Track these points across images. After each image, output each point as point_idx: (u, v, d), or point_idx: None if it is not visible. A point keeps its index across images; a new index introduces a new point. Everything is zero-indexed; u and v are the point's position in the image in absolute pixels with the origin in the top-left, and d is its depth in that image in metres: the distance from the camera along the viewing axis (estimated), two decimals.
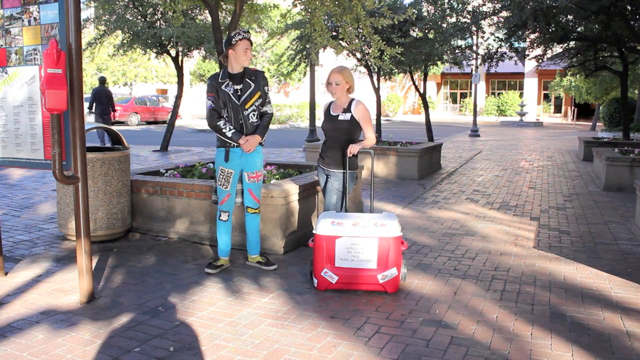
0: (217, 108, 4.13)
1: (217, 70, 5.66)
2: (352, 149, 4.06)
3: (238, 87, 4.14)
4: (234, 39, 4.08)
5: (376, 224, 3.79)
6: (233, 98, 4.11)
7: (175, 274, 4.22)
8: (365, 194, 7.42)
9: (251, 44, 4.14)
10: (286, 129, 26.64)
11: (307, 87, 31.57)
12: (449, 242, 5.24)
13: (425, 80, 15.66)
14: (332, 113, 4.31)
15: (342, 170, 4.21)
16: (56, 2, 3.49)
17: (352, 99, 4.26)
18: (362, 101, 4.34)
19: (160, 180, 5.29)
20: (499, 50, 12.98)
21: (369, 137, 4.26)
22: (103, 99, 13.33)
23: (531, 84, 40.01)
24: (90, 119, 25.57)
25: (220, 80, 4.13)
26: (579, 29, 12.50)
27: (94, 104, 13.24)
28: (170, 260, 4.57)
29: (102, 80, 13.82)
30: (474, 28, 13.08)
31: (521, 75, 39.60)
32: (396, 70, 14.25)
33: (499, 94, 42.80)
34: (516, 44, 12.91)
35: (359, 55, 12.94)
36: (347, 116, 4.20)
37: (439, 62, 14.16)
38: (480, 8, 11.94)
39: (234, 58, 4.11)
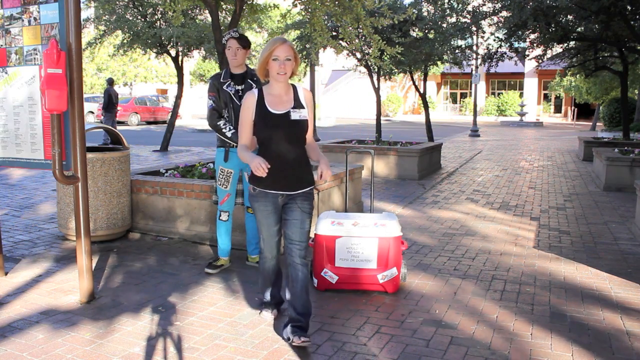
0: (217, 108, 4.13)
1: (217, 70, 5.65)
2: (328, 173, 2.89)
3: (239, 87, 4.14)
4: (223, 40, 4.11)
5: (376, 224, 3.79)
6: (234, 98, 4.11)
7: (175, 274, 4.22)
8: (365, 194, 7.42)
9: (239, 42, 4.05)
10: None
11: (307, 87, 31.60)
12: (449, 242, 5.24)
13: (425, 80, 15.66)
14: (273, 111, 2.95)
15: (311, 187, 3.08)
16: (56, 2, 3.49)
17: (294, 86, 3.08)
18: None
19: (160, 180, 5.29)
20: (499, 50, 12.99)
21: (313, 140, 3.14)
22: (113, 99, 14.72)
23: (531, 84, 40.01)
24: (90, 119, 25.63)
25: (222, 80, 4.13)
26: (579, 29, 12.50)
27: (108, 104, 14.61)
28: (170, 260, 4.57)
29: (111, 82, 14.97)
30: (474, 28, 13.09)
31: (521, 75, 39.60)
32: (396, 70, 14.25)
33: (499, 94, 42.81)
34: (516, 44, 12.92)
35: (359, 55, 12.94)
36: (305, 113, 3.00)
37: (439, 62, 14.17)
38: (480, 8, 11.94)
39: (227, 58, 4.13)
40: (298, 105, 3.01)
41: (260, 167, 2.73)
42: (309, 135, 3.07)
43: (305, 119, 3.00)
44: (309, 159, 3.08)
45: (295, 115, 2.97)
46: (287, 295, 3.08)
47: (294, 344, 2.91)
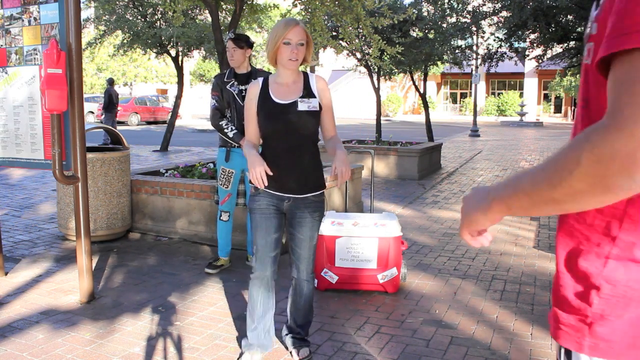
0: (220, 107, 4.14)
1: (217, 70, 5.66)
2: (346, 172, 2.42)
3: (243, 87, 4.14)
4: (225, 42, 4.14)
5: (376, 224, 3.79)
6: (237, 98, 4.11)
7: (175, 274, 4.22)
8: (365, 194, 7.42)
9: (234, 42, 4.04)
10: None
11: None
12: (449, 242, 5.24)
13: (425, 80, 15.66)
14: (278, 100, 2.59)
15: (321, 192, 2.72)
16: (56, 2, 3.50)
17: (306, 73, 2.71)
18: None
19: (160, 180, 5.29)
20: (499, 50, 12.99)
21: (336, 135, 2.73)
22: (113, 99, 14.88)
23: (531, 84, 40.01)
24: (90, 119, 25.64)
25: (225, 80, 4.14)
26: (579, 29, 12.50)
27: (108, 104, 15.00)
28: (170, 260, 4.57)
29: (111, 82, 15.08)
30: (474, 28, 13.09)
31: (521, 75, 39.60)
32: (396, 70, 14.26)
33: (499, 94, 42.81)
34: (516, 44, 12.92)
35: (359, 55, 12.94)
36: (316, 104, 2.61)
37: (439, 62, 14.18)
38: (480, 8, 11.94)
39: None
40: (308, 94, 2.60)
41: (259, 179, 2.37)
42: (330, 129, 2.70)
43: (316, 110, 2.59)
44: (320, 158, 2.72)
45: (303, 105, 2.56)
46: (289, 305, 2.90)
47: (293, 358, 2.81)
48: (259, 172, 2.37)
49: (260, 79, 2.68)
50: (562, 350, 0.98)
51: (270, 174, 2.44)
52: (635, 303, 0.88)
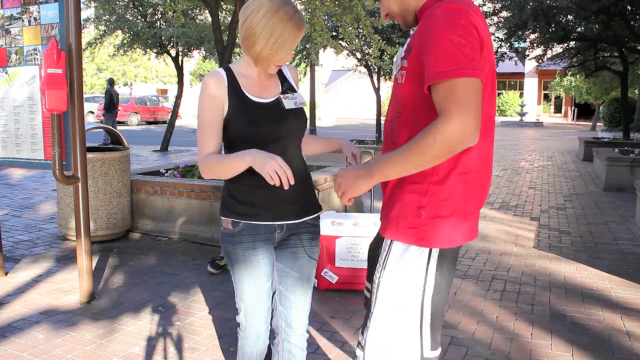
0: None
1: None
2: (357, 154, 1.99)
3: None
4: None
5: (376, 224, 3.79)
6: None
7: (175, 274, 4.22)
8: (366, 194, 7.42)
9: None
10: None
11: (307, 87, 31.58)
12: None
13: None
14: (257, 99, 1.85)
15: (317, 214, 2.01)
16: (56, 2, 3.50)
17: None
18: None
19: (160, 180, 5.29)
20: (499, 50, 13.00)
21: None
22: (114, 100, 15.01)
23: (531, 84, 40.01)
24: (90, 119, 25.66)
25: None
26: (579, 29, 12.51)
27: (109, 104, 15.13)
28: (170, 260, 4.57)
29: (112, 82, 15.17)
30: None
31: (521, 75, 39.61)
32: None
33: (499, 94, 42.83)
34: (516, 44, 12.94)
35: (359, 55, 12.95)
36: (301, 99, 1.97)
37: None
38: (481, 8, 11.95)
39: None
40: (289, 87, 1.95)
41: (283, 173, 1.63)
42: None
43: (303, 106, 1.95)
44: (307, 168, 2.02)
45: (289, 102, 1.90)
46: None
47: None
48: (279, 164, 1.63)
49: (221, 70, 1.87)
50: (393, 243, 1.58)
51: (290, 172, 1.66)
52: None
